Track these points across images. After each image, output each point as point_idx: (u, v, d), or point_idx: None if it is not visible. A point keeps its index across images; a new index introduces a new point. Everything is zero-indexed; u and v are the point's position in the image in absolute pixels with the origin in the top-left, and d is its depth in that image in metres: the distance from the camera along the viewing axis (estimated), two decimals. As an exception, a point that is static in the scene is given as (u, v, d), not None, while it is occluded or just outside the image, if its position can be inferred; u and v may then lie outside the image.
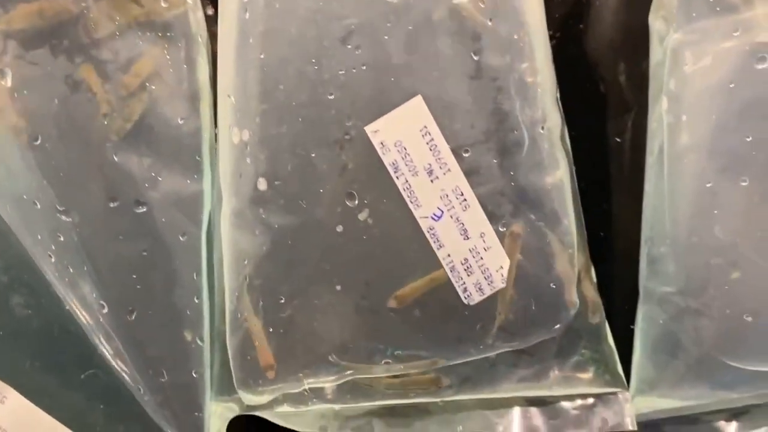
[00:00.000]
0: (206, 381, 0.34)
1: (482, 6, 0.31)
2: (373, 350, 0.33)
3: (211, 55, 0.35)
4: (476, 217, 0.32)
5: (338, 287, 0.32)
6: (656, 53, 0.37)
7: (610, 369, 0.36)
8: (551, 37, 0.40)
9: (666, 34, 0.35)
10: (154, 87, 0.33)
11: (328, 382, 0.33)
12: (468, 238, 0.32)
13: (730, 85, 0.33)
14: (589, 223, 0.38)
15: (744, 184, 0.33)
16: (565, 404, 0.36)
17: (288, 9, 0.31)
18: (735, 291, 0.34)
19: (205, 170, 0.34)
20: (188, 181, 0.33)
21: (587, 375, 0.36)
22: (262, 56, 0.31)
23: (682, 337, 0.35)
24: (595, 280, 0.37)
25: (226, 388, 0.34)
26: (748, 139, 0.33)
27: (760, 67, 0.33)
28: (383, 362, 0.33)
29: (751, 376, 0.35)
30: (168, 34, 0.33)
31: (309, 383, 0.33)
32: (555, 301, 0.33)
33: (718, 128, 0.34)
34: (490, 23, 0.31)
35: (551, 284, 0.33)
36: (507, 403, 0.36)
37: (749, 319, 0.34)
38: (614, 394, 0.37)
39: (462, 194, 0.31)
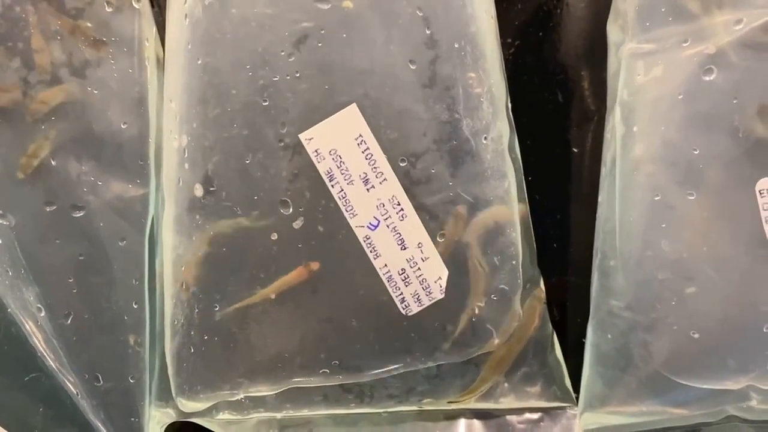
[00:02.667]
0: (144, 386, 0.34)
1: (420, 14, 0.30)
2: (311, 360, 0.32)
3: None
4: (414, 227, 0.31)
5: (273, 296, 0.31)
6: (612, 63, 0.36)
7: (557, 383, 0.36)
8: (510, 45, 0.40)
9: (622, 43, 0.35)
10: (96, 91, 0.33)
11: (265, 391, 0.33)
12: (405, 248, 0.31)
13: (679, 97, 0.33)
14: (543, 235, 0.38)
15: (691, 197, 0.32)
16: (511, 418, 0.36)
17: (225, 16, 0.30)
18: (686, 307, 0.33)
19: (150, 175, 0.34)
20: (130, 186, 0.33)
21: (535, 388, 0.36)
22: (199, 62, 0.31)
23: (631, 353, 0.35)
24: (544, 292, 0.36)
25: (164, 394, 0.34)
26: (695, 152, 0.32)
27: (707, 78, 0.32)
28: (321, 372, 0.32)
29: (703, 394, 0.35)
30: (113, 38, 0.33)
31: (246, 392, 0.33)
32: (497, 313, 0.33)
33: (667, 140, 0.33)
34: (428, 32, 0.31)
35: (492, 296, 0.33)
36: (451, 415, 0.36)
37: (696, 336, 0.33)
38: (562, 408, 0.36)
39: (399, 204, 0.31)
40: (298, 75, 0.30)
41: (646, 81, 0.34)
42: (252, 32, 0.30)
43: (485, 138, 0.32)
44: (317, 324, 0.32)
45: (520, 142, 0.37)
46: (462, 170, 0.32)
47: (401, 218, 0.31)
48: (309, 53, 0.30)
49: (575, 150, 0.39)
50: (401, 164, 0.31)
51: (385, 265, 0.31)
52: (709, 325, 0.33)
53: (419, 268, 0.32)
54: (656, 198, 0.33)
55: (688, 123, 0.32)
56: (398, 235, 0.31)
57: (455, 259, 0.32)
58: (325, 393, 0.34)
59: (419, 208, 0.31)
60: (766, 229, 0.32)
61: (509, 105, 0.35)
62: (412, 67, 0.30)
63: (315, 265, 0.31)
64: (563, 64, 0.40)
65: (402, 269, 0.31)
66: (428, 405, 0.35)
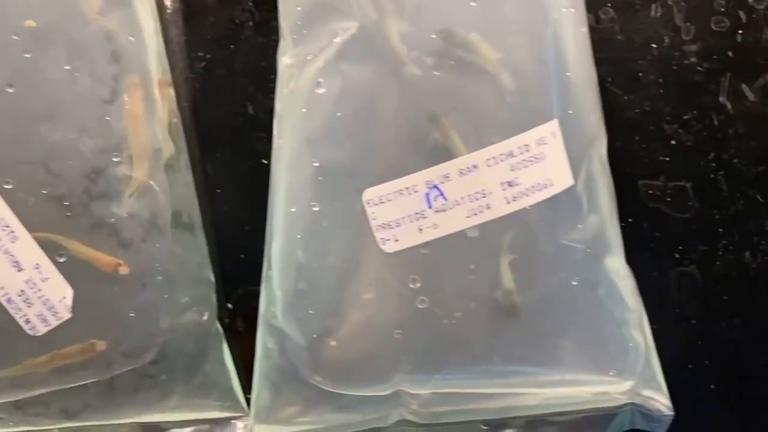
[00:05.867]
0: None
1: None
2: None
3: None
4: (28, 249, 0.31)
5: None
6: (280, 75, 0.37)
7: (227, 393, 0.36)
8: (201, 59, 0.40)
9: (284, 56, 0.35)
10: None
11: None
12: (21, 270, 0.32)
13: (303, 110, 0.33)
14: (231, 245, 0.38)
15: (315, 209, 0.33)
16: (178, 431, 0.36)
17: None
18: (323, 316, 0.34)
19: None
20: None
21: (205, 400, 0.36)
22: None
23: (290, 363, 0.35)
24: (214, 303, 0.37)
25: None
26: (315, 165, 0.33)
27: (319, 92, 0.32)
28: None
29: (364, 400, 0.35)
30: None
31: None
32: (143, 329, 0.33)
33: (297, 152, 0.33)
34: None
35: (130, 314, 0.33)
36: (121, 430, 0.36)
37: (334, 344, 0.33)
38: (235, 419, 0.36)
39: (9, 226, 0.31)
40: None
41: (287, 94, 0.34)
42: None
43: (117, 156, 0.33)
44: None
45: (210, 155, 0.38)
46: (94, 189, 0.32)
47: (12, 240, 0.31)
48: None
49: (264, 161, 0.40)
50: (6, 186, 0.31)
51: (2, 288, 0.32)
52: (345, 333, 0.33)
53: (40, 289, 0.32)
54: (292, 210, 0.33)
55: (310, 136, 0.33)
56: (11, 257, 0.31)
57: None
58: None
59: (34, 229, 0.32)
60: (378, 237, 0.32)
61: (173, 121, 0.36)
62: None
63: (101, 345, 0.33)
64: (254, 76, 0.40)
65: (21, 291, 0.32)
66: (105, 420, 0.36)
